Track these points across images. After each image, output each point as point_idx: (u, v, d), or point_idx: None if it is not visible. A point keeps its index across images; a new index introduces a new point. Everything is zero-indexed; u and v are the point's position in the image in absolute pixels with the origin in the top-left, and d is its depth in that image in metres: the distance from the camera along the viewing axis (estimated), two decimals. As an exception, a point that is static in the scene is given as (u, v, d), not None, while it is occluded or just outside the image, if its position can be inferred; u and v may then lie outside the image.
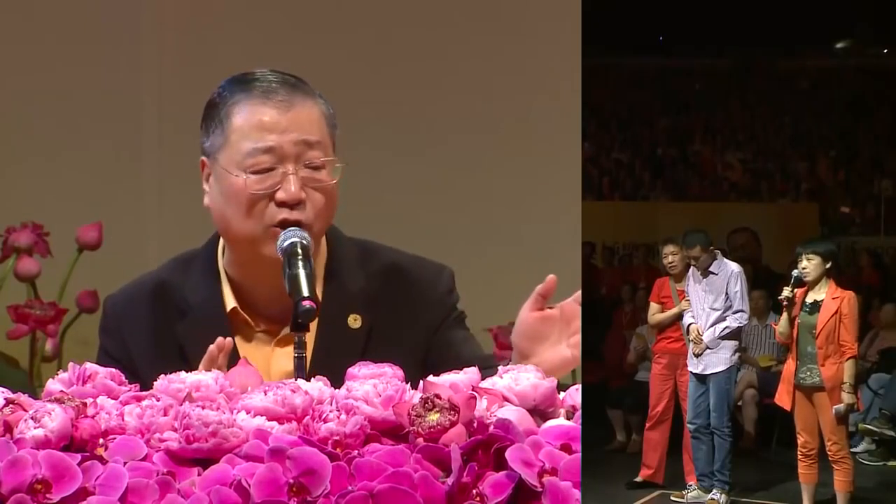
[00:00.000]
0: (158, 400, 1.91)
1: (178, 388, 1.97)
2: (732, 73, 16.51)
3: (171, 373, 2.00)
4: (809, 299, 5.33)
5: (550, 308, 2.29)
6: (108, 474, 1.77)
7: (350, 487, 1.74)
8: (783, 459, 6.28)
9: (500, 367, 2.01)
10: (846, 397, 5.22)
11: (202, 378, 1.98)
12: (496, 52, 4.41)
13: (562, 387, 2.01)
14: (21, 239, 4.31)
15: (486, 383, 1.97)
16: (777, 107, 15.00)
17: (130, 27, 4.53)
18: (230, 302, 2.45)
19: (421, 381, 1.92)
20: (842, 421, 5.29)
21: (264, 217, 2.36)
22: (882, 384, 6.74)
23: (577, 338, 2.27)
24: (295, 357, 2.25)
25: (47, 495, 1.76)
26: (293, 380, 2.00)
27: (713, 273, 5.90)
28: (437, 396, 1.83)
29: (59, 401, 1.89)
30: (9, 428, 1.85)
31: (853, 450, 6.09)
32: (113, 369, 2.05)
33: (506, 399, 1.94)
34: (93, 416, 1.88)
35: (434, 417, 1.81)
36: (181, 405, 1.89)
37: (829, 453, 5.33)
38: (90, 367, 2.04)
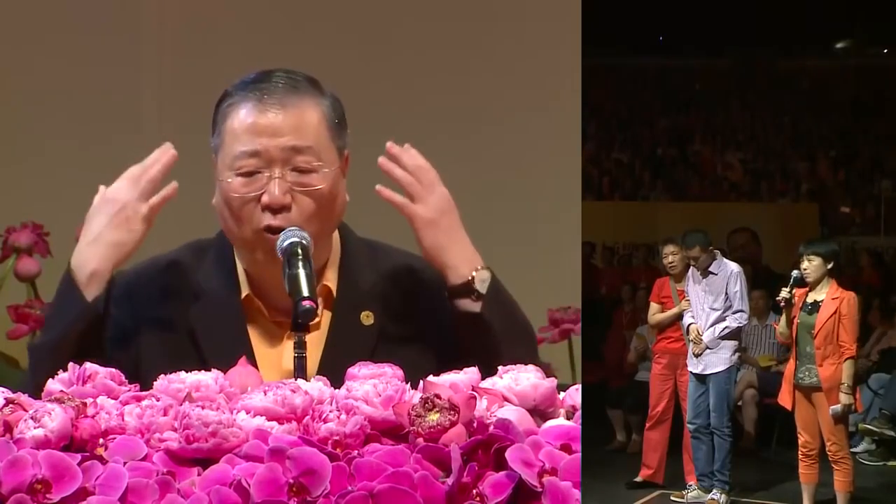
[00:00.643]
0: (158, 400, 1.91)
1: (178, 388, 1.97)
2: (732, 73, 16.53)
3: (178, 355, 1.99)
4: (810, 299, 5.33)
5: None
6: (108, 474, 1.78)
7: (350, 487, 1.74)
8: (783, 459, 6.28)
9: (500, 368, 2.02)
10: (844, 398, 5.21)
11: (202, 378, 1.99)
12: (496, 52, 4.40)
13: (562, 387, 2.02)
14: (21, 239, 4.30)
15: (486, 383, 1.97)
16: (777, 107, 15.02)
17: (130, 27, 4.52)
18: (244, 289, 2.44)
19: (421, 382, 1.93)
20: (840, 421, 5.28)
21: (252, 220, 2.35)
22: (882, 384, 6.74)
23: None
24: (295, 357, 2.25)
25: (47, 495, 1.76)
26: (293, 380, 2.00)
27: (713, 273, 5.89)
28: (437, 396, 1.83)
29: (59, 401, 1.89)
30: (9, 428, 1.85)
31: (853, 450, 6.09)
32: (113, 369, 2.05)
33: (506, 399, 1.94)
34: (93, 416, 1.89)
35: (434, 417, 1.81)
36: (181, 405, 1.89)
37: (828, 453, 5.32)
38: (90, 367, 2.04)
